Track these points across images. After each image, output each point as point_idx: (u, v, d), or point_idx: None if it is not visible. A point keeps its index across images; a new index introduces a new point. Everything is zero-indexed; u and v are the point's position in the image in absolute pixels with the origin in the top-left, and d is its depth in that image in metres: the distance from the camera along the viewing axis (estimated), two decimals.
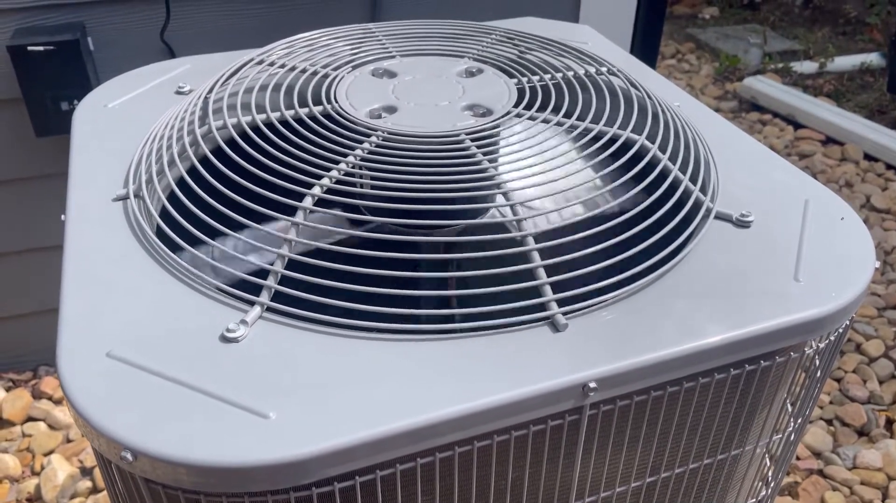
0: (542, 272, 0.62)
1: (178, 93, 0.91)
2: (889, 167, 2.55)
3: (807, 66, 3.22)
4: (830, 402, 1.73)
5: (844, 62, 3.23)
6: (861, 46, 3.45)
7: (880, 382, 1.78)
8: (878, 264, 0.68)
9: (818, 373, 0.71)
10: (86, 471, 1.53)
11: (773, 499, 0.85)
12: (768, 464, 0.80)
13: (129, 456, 0.50)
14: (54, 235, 1.58)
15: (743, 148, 0.84)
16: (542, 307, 0.60)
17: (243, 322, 0.58)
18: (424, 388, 0.54)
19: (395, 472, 0.54)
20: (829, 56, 3.24)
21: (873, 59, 3.22)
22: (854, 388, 1.75)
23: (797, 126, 2.79)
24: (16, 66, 1.35)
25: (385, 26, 0.97)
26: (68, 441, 1.60)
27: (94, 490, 1.50)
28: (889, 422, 1.67)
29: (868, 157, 2.60)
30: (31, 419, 1.64)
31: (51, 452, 1.57)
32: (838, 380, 1.78)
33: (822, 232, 0.71)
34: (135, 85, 0.94)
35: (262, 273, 0.61)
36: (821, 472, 1.57)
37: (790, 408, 0.73)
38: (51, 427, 1.63)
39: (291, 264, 0.62)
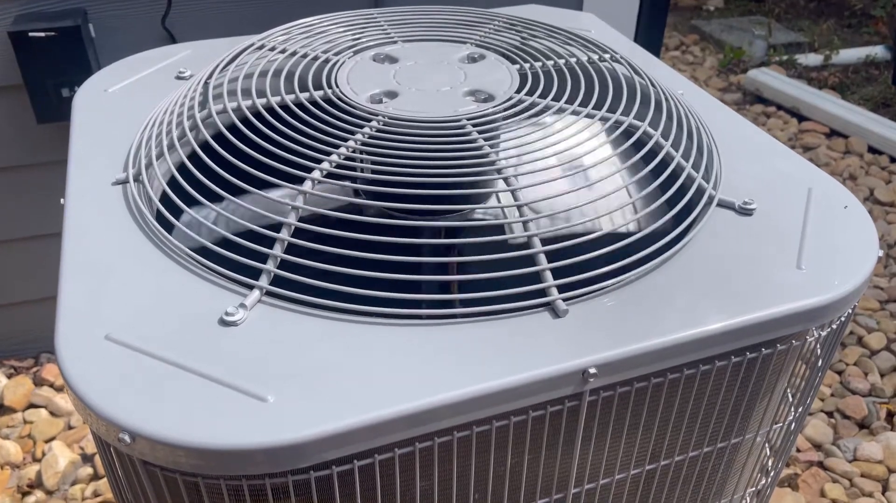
0: (542, 258, 0.62)
1: (179, 78, 0.91)
2: (893, 160, 2.54)
3: (811, 59, 3.20)
4: (831, 395, 1.73)
5: (849, 55, 3.21)
6: (866, 39, 3.43)
7: (881, 375, 1.77)
8: (881, 253, 0.68)
9: (819, 363, 0.71)
10: (87, 458, 1.54)
11: (773, 489, 0.84)
12: (768, 453, 0.79)
13: (127, 438, 0.50)
14: (56, 222, 1.56)
15: (746, 136, 0.83)
16: (543, 293, 0.60)
17: (242, 306, 0.58)
18: (423, 373, 0.54)
19: (394, 457, 0.54)
20: (834, 48, 3.22)
21: (878, 51, 3.20)
22: (855, 381, 1.75)
23: (801, 119, 2.78)
24: (17, 52, 1.34)
25: (387, 12, 0.96)
26: (69, 428, 1.61)
27: (95, 476, 1.50)
28: (890, 415, 1.67)
29: (872, 149, 2.59)
30: (32, 406, 1.65)
31: (52, 439, 1.57)
32: (839, 373, 1.78)
33: (824, 220, 0.71)
34: (135, 70, 0.93)
35: (262, 256, 0.61)
36: (821, 464, 1.57)
37: (791, 398, 0.73)
38: (52, 414, 1.63)
39: (291, 248, 0.62)
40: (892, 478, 1.53)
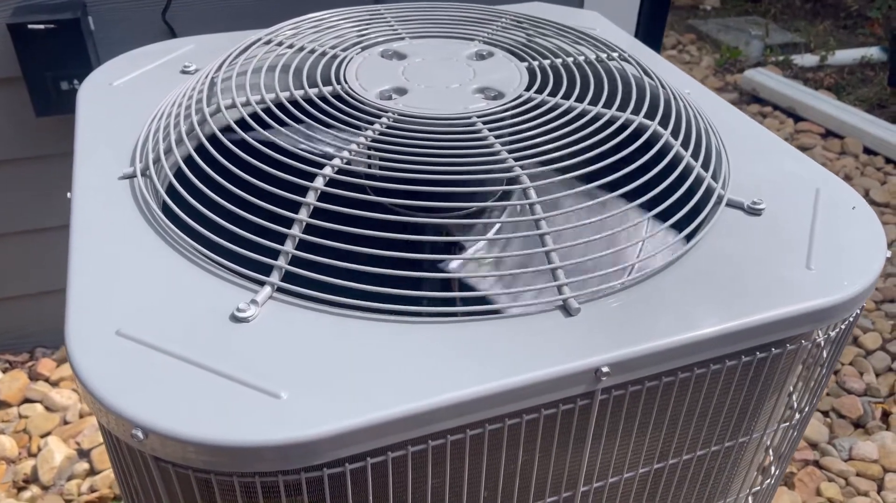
0: (554, 256, 0.62)
1: (184, 72, 0.90)
2: (888, 161, 2.56)
3: (808, 59, 3.21)
4: (827, 394, 1.74)
5: (845, 56, 3.22)
6: (862, 40, 3.45)
7: (877, 375, 1.78)
8: (888, 254, 0.68)
9: (826, 363, 0.71)
10: (83, 453, 1.53)
11: (776, 488, 0.85)
12: (772, 453, 0.80)
13: (140, 434, 0.49)
14: (53, 216, 1.56)
15: (753, 136, 0.83)
16: (555, 291, 0.60)
17: (254, 302, 0.58)
18: (436, 371, 0.54)
19: (407, 454, 0.54)
20: (830, 49, 3.24)
21: (874, 52, 3.21)
22: (851, 381, 1.76)
23: (797, 119, 2.79)
24: (16, 45, 1.33)
25: (394, 8, 0.96)
26: (65, 423, 1.60)
27: (92, 471, 1.50)
28: (885, 415, 1.68)
29: (867, 150, 2.60)
30: (27, 401, 1.64)
31: (47, 434, 1.57)
32: (835, 373, 1.79)
33: (833, 220, 0.71)
34: (139, 64, 0.93)
35: (273, 253, 0.61)
36: (817, 463, 1.58)
37: (797, 397, 0.73)
38: (48, 409, 1.62)
39: (302, 244, 0.62)
40: (888, 478, 1.54)
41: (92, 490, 1.46)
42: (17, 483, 1.48)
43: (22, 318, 1.71)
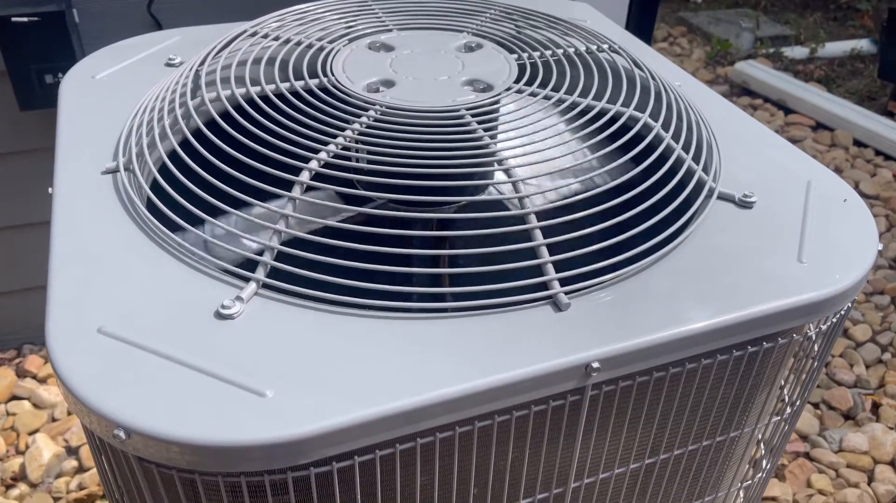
0: (544, 250, 0.61)
1: (168, 65, 0.89)
2: (878, 153, 2.56)
3: (798, 52, 3.21)
4: (817, 386, 1.74)
5: (835, 48, 3.22)
6: (852, 32, 3.45)
7: (867, 366, 1.79)
8: (880, 247, 0.68)
9: (818, 356, 0.71)
10: (71, 451, 1.52)
11: (768, 481, 0.85)
12: (764, 447, 0.79)
13: (122, 434, 0.48)
14: (38, 212, 1.55)
15: (744, 128, 0.83)
16: (545, 286, 0.59)
17: (239, 299, 0.57)
18: (424, 368, 0.53)
19: (395, 452, 0.53)
20: (821, 42, 3.24)
21: (864, 45, 3.22)
22: (841, 372, 1.76)
23: (788, 111, 2.79)
24: None
25: None
26: (53, 420, 1.58)
27: (80, 469, 1.48)
28: (875, 406, 1.69)
29: (857, 142, 2.61)
30: (15, 398, 1.62)
31: (35, 431, 1.55)
32: (825, 364, 1.79)
33: (824, 213, 0.70)
34: (123, 56, 0.91)
35: (258, 249, 0.60)
36: (807, 455, 1.58)
37: (788, 391, 0.73)
38: (35, 406, 1.61)
39: (288, 240, 0.61)
40: (878, 469, 1.54)
41: (80, 487, 1.45)
42: (5, 481, 1.46)
43: (8, 315, 1.69)
